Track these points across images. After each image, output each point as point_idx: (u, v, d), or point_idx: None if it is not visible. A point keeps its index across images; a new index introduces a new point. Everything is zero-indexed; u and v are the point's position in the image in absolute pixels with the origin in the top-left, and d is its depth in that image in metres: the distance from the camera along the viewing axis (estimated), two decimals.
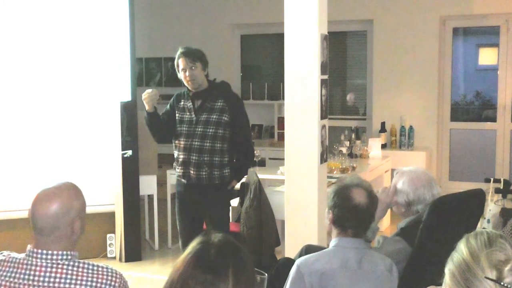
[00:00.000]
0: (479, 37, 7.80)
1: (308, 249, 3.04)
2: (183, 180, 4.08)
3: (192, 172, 4.01)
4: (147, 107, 4.04)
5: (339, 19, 7.11)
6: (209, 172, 4.00)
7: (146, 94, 4.02)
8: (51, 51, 5.28)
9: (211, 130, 3.99)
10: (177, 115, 4.10)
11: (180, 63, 4.01)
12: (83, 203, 2.10)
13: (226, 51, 8.15)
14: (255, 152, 5.42)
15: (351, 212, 2.48)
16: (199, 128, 4.00)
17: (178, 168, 4.09)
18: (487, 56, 7.64)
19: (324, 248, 2.59)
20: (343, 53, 7.92)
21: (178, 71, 4.04)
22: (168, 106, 4.19)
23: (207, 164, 3.98)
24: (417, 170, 3.10)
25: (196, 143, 3.99)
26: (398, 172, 3.13)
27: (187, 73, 3.99)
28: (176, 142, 4.09)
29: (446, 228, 2.83)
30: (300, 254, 3.01)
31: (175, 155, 4.11)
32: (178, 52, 4.03)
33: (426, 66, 7.19)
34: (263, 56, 8.47)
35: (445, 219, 2.86)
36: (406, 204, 3.01)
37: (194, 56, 4.00)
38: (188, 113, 4.05)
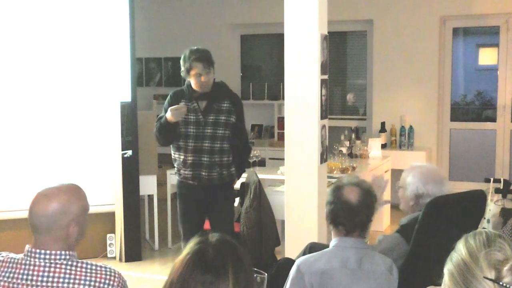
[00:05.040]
0: (479, 37, 7.80)
1: (312, 247, 3.06)
2: (191, 181, 4.07)
3: (203, 173, 4.01)
4: (172, 119, 3.92)
5: (339, 19, 7.11)
6: (219, 172, 4.04)
7: (177, 109, 3.92)
8: (51, 51, 5.28)
9: (220, 131, 4.01)
10: None
11: (194, 67, 3.96)
12: (83, 207, 2.08)
13: (226, 51, 8.14)
14: (255, 152, 5.50)
15: (340, 208, 2.51)
16: (208, 129, 4.00)
17: (186, 170, 4.05)
18: (487, 56, 7.64)
19: (328, 246, 2.60)
20: (343, 53, 7.92)
21: (188, 73, 4.00)
22: (169, 106, 4.08)
23: (218, 165, 4.01)
24: (429, 166, 3.17)
25: (206, 144, 4.00)
26: (410, 166, 3.13)
27: (202, 79, 3.97)
28: (182, 143, 4.05)
29: (442, 229, 2.83)
30: (304, 252, 3.02)
31: (181, 157, 4.06)
32: (191, 56, 3.97)
33: (426, 66, 7.19)
34: (263, 56, 8.47)
35: (441, 219, 2.86)
36: (415, 196, 3.02)
37: (209, 61, 4.01)
38: (193, 114, 4.03)
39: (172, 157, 4.16)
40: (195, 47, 4.05)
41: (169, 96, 4.16)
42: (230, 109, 4.05)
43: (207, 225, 4.35)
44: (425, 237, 2.83)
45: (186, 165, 4.04)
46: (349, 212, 2.50)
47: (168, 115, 3.93)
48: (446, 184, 3.06)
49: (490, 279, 1.40)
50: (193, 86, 4.03)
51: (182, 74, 4.06)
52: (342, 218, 2.51)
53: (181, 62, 4.04)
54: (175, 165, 4.15)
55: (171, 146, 4.14)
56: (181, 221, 4.20)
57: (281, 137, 6.82)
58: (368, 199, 2.55)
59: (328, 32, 4.26)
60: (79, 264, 2.00)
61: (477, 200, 3.08)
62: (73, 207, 2.04)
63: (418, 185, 3.02)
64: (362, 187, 2.55)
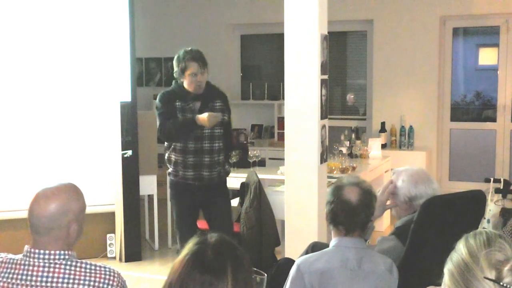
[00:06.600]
0: (479, 37, 7.80)
1: (315, 246, 3.05)
2: (191, 182, 4.07)
3: (205, 173, 4.04)
4: (207, 125, 3.94)
5: (339, 19, 7.11)
6: (218, 171, 4.11)
7: (215, 116, 3.95)
8: (51, 51, 5.28)
9: (218, 131, 4.07)
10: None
11: (189, 67, 3.97)
12: (82, 206, 2.08)
13: (226, 51, 8.15)
14: (255, 152, 5.55)
15: (340, 208, 2.50)
16: (206, 129, 4.01)
17: (187, 171, 4.06)
18: (487, 56, 7.64)
19: None
20: (343, 53, 7.92)
21: (183, 73, 4.01)
22: (167, 106, 4.05)
23: (217, 163, 4.08)
24: (413, 168, 3.16)
25: (206, 144, 4.04)
26: (394, 173, 3.15)
27: (198, 78, 3.99)
28: (181, 145, 4.05)
29: (439, 229, 2.82)
30: (307, 252, 3.02)
31: (180, 158, 4.06)
32: (186, 56, 3.99)
33: (426, 66, 7.19)
34: (263, 56, 8.47)
35: (437, 219, 2.86)
36: (408, 200, 3.02)
37: (203, 61, 4.04)
38: (190, 115, 4.03)
39: (166, 157, 4.16)
40: (189, 48, 4.07)
41: (160, 97, 4.10)
42: (222, 107, 4.13)
43: (204, 224, 4.35)
44: (421, 237, 2.83)
45: (187, 166, 4.05)
46: (349, 212, 2.49)
47: (203, 117, 3.91)
48: (435, 182, 3.08)
49: (491, 279, 1.40)
50: (187, 86, 4.03)
51: (175, 74, 4.07)
52: (342, 217, 2.51)
53: (175, 63, 4.06)
54: (171, 166, 4.15)
55: (165, 147, 4.14)
56: (180, 223, 4.17)
57: (281, 137, 6.82)
58: (368, 198, 2.54)
59: (328, 32, 4.26)
60: (79, 264, 2.00)
61: (477, 200, 3.07)
62: (73, 206, 2.04)
63: (409, 188, 3.02)
64: (362, 187, 2.55)
